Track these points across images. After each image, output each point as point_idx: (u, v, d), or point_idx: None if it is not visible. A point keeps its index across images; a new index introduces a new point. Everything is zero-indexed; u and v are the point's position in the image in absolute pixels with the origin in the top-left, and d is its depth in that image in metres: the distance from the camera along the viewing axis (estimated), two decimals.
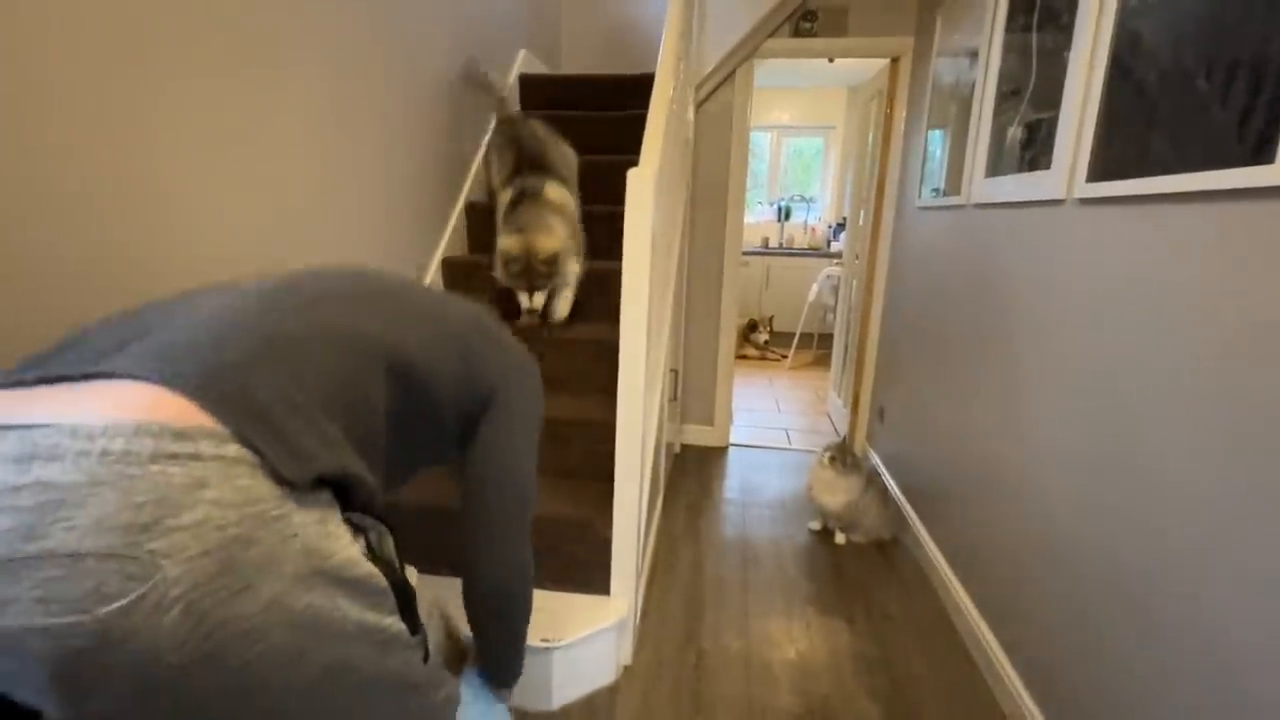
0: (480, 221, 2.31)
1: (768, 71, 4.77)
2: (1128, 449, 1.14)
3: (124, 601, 0.46)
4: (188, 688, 0.50)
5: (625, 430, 1.47)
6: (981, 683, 1.59)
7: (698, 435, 3.15)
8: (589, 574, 1.57)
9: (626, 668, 1.59)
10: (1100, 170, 1.24)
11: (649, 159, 1.41)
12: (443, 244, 2.18)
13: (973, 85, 1.91)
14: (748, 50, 2.69)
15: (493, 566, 0.96)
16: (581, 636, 1.44)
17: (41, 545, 0.45)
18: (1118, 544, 1.16)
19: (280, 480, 0.56)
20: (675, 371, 2.32)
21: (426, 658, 0.74)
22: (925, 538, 2.10)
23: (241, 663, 0.52)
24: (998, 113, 1.74)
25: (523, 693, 1.45)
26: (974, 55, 1.93)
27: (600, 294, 2.02)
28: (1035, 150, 1.50)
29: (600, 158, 2.36)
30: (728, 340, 3.06)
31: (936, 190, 2.21)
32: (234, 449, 0.53)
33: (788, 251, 5.55)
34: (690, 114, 2.64)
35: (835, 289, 4.24)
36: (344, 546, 0.61)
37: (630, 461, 1.48)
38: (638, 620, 1.68)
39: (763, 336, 5.01)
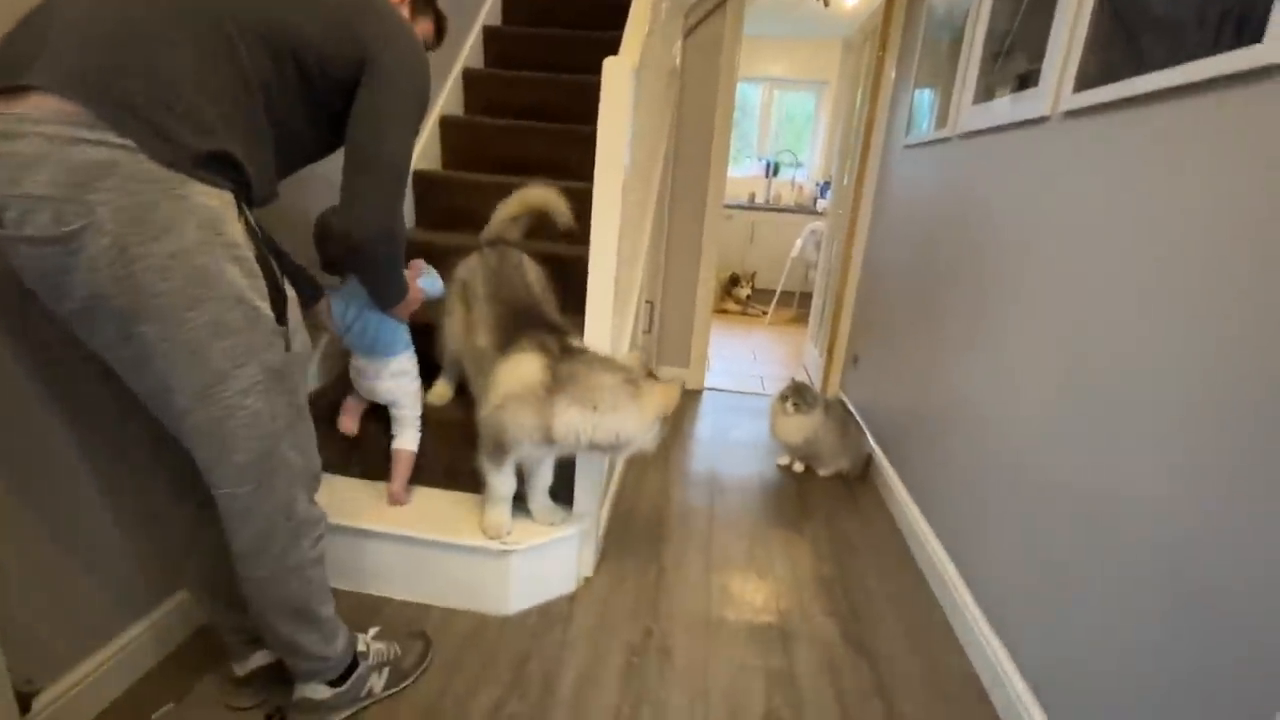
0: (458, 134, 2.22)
1: (762, 18, 4.64)
2: (1095, 372, 1.14)
3: (74, 226, 0.72)
4: (119, 307, 0.77)
5: (592, 338, 1.44)
6: (936, 604, 1.62)
7: (674, 376, 3.13)
8: (553, 486, 1.55)
9: (587, 579, 1.59)
10: (1087, 79, 1.21)
11: (629, 49, 1.34)
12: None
13: (966, 12, 1.86)
14: None
15: (354, 223, 1.02)
16: (541, 543, 1.43)
17: (19, 189, 0.71)
18: (1081, 468, 1.16)
19: (171, 165, 0.75)
20: (651, 303, 2.30)
21: (288, 348, 0.92)
22: (892, 475, 2.12)
23: (154, 293, 0.77)
24: (989, 38, 1.69)
25: (480, 596, 1.44)
26: None
27: (575, 212, 1.96)
28: (1024, 71, 1.46)
29: (582, 77, 2.28)
30: (707, 286, 3.02)
31: (924, 128, 2.17)
32: (127, 139, 0.73)
33: (774, 208, 5.49)
34: (678, 45, 2.55)
35: (819, 245, 4.21)
36: (236, 230, 0.83)
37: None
38: (600, 535, 1.68)
39: (745, 291, 4.98)
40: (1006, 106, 1.56)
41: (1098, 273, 1.16)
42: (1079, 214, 1.23)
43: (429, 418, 1.54)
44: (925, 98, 2.21)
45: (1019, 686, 1.24)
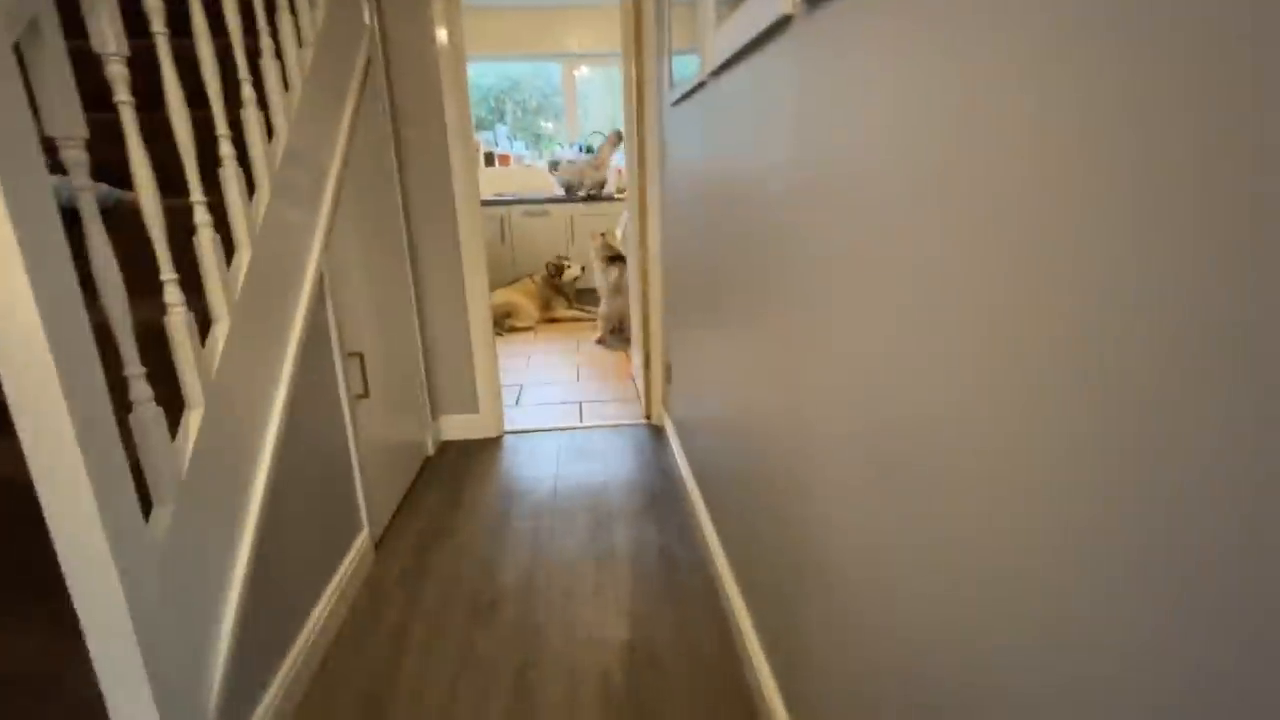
0: None
1: None
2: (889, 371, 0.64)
3: None
4: None
5: (58, 498, 0.75)
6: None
7: (461, 427, 2.47)
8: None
9: None
10: None
11: None
12: None
13: None
14: None
15: None
16: None
17: None
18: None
19: None
20: (359, 355, 1.62)
21: None
22: (716, 546, 1.61)
23: None
24: None
25: None
26: None
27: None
28: None
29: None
30: (479, 309, 2.38)
31: (684, 79, 1.66)
32: None
33: (594, 197, 4.94)
34: None
35: None
36: None
37: (82, 550, 0.77)
38: None
39: (573, 273, 4.35)
40: (747, 18, 1.05)
41: (884, 205, 0.66)
42: (850, 128, 0.73)
43: None
44: (688, 61, 1.70)
45: None
